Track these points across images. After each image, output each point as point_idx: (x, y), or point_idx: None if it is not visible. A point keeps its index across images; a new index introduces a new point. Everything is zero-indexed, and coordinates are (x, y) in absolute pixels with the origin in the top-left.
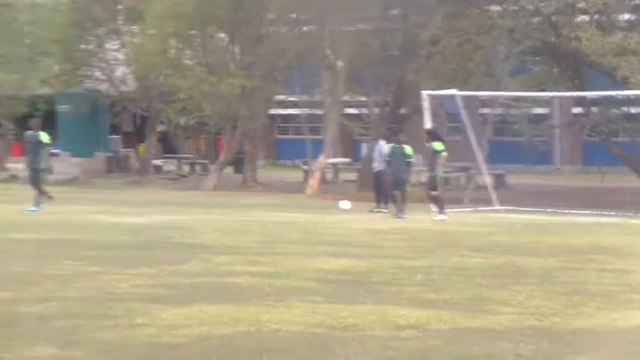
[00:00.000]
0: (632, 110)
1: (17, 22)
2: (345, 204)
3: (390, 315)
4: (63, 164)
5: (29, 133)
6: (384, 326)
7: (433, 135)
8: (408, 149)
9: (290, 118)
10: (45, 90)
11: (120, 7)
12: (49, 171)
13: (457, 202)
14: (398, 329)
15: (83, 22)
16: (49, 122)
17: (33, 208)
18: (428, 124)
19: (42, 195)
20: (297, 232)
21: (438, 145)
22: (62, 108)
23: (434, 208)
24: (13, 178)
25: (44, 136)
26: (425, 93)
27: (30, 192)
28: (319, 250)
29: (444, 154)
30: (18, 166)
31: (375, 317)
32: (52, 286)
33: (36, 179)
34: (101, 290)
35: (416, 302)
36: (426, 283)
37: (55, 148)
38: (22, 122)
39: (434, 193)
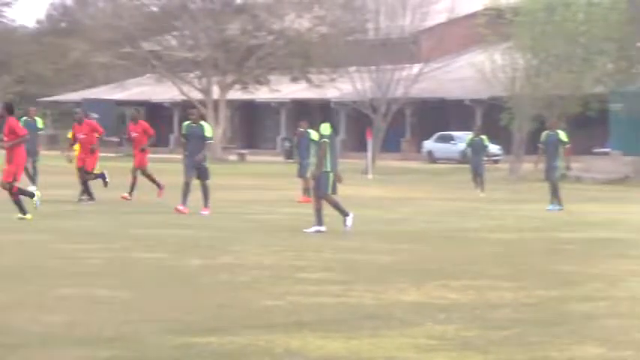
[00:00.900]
0: None
1: (573, 21)
2: None
3: None
4: (613, 163)
5: (546, 133)
6: None
7: None
8: None
9: None
10: (598, 89)
11: None
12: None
13: None
14: None
15: (639, 19)
16: (600, 121)
17: (550, 207)
18: None
19: (556, 195)
20: None
21: None
22: (615, 107)
23: None
24: (562, 177)
25: (563, 135)
26: None
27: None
28: None
29: None
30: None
31: None
32: (600, 285)
33: (554, 178)
34: None
35: None
36: None
37: (606, 147)
38: (573, 121)
39: None
